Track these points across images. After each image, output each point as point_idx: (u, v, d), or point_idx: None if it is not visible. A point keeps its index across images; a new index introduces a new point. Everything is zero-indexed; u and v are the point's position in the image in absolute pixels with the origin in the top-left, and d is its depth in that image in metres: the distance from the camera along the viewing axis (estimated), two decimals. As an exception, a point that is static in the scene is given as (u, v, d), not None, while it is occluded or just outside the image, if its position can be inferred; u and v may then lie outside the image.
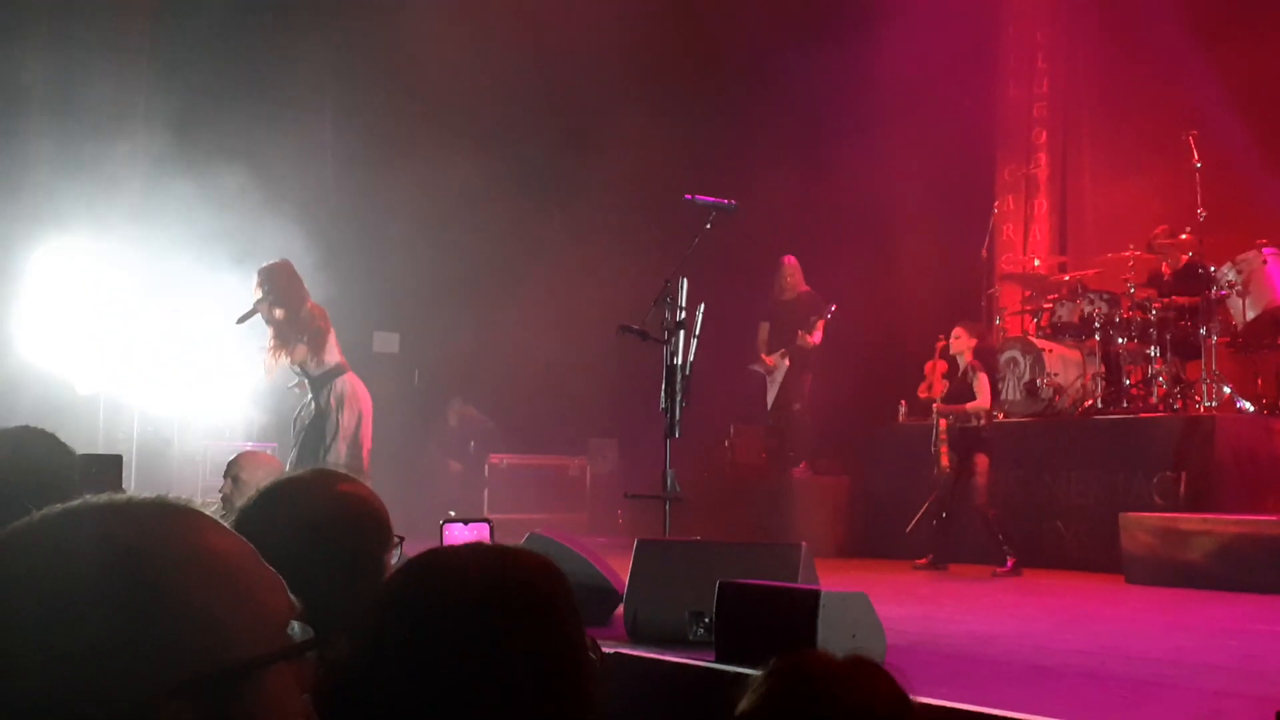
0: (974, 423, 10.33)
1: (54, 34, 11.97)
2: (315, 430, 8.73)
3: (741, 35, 14.16)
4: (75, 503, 1.13)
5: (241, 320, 8.91)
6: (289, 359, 8.78)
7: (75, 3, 12.20)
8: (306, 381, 8.93)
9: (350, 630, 1.51)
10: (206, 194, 11.24)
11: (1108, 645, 6.15)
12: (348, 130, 14.65)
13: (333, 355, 8.82)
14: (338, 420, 8.66)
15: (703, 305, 7.59)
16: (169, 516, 1.15)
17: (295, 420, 8.98)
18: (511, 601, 1.48)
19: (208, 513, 1.20)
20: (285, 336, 8.76)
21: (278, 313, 8.75)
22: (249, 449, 9.01)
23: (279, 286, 8.77)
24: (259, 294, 8.77)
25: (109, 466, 4.44)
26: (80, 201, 11.64)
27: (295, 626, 1.17)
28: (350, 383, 8.78)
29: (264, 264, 8.91)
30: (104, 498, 1.15)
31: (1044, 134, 14.36)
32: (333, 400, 8.70)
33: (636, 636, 5.99)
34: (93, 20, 12.28)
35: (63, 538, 1.10)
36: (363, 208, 13.44)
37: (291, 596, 1.19)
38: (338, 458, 8.50)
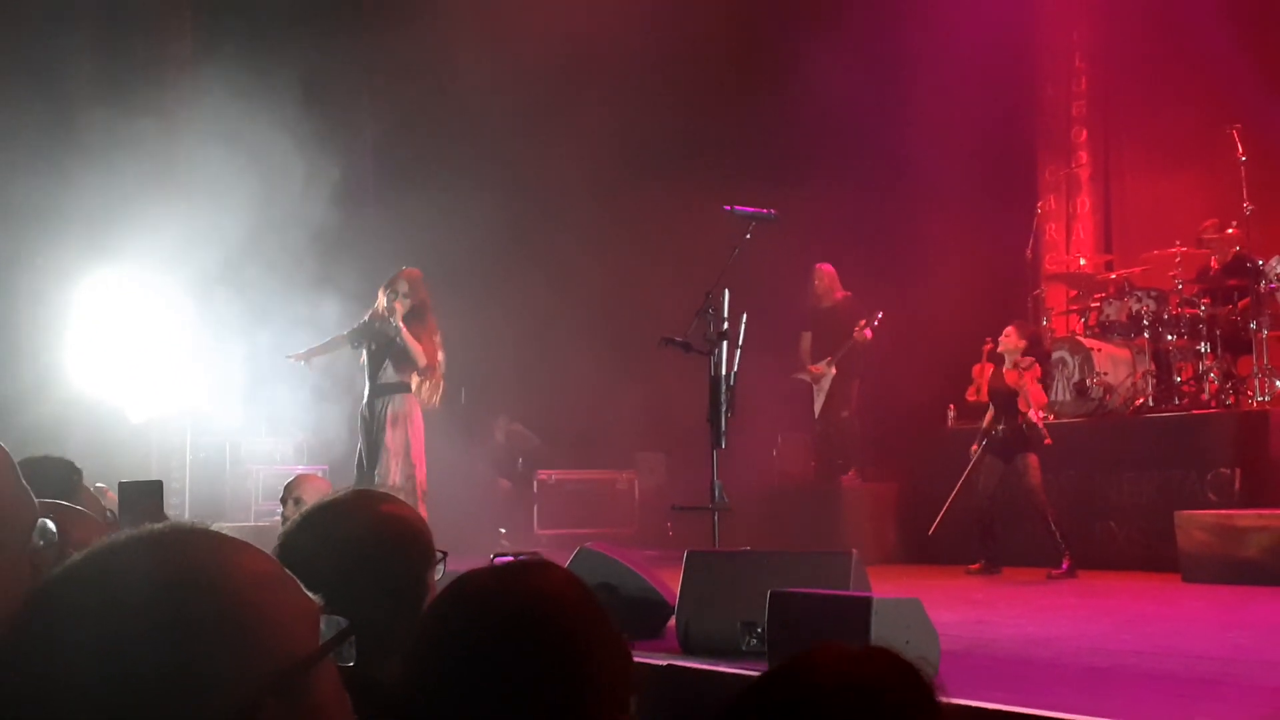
0: (1021, 425, 10.21)
1: (99, 71, 12.15)
2: (372, 442, 8.87)
3: (776, 45, 14.16)
4: (121, 536, 1.18)
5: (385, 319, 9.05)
6: (400, 372, 8.92)
7: (118, 45, 12.38)
8: (367, 381, 9.06)
9: (401, 656, 1.55)
10: (249, 224, 11.36)
11: (1166, 645, 6.09)
12: (388, 156, 14.77)
13: (408, 376, 8.97)
14: (391, 437, 8.80)
15: (745, 316, 7.59)
16: (206, 540, 1.20)
17: (360, 420, 9.13)
18: (543, 633, 1.50)
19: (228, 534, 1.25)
20: (401, 346, 8.92)
21: (411, 323, 8.90)
22: (304, 472, 9.14)
23: (418, 294, 9.01)
24: (399, 296, 8.92)
25: (150, 492, 4.50)
26: (127, 232, 11.79)
27: (324, 622, 1.22)
28: (408, 401, 8.92)
29: (407, 269, 9.11)
30: (144, 530, 1.19)
31: (1084, 132, 14.26)
32: (389, 414, 8.85)
33: (689, 648, 5.99)
34: (136, 59, 12.47)
35: (109, 573, 1.15)
36: (405, 230, 13.52)
37: (311, 595, 1.23)
38: (391, 476, 8.64)
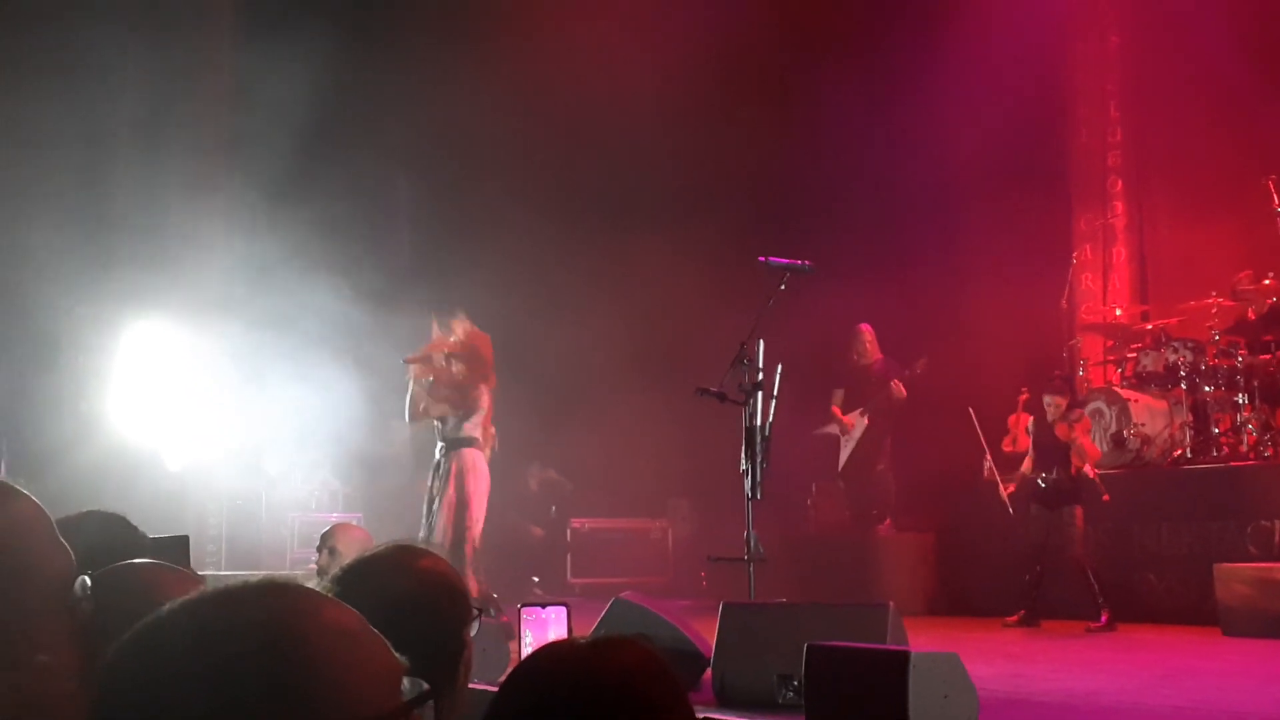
0: (1073, 475, 10.13)
1: (139, 124, 12.32)
2: (431, 497, 8.99)
3: (813, 99, 14.24)
4: (198, 594, 1.22)
5: (413, 360, 9.17)
6: (433, 411, 9.06)
7: (159, 91, 12.56)
8: (441, 440, 9.15)
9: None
10: (288, 271, 11.47)
11: (1206, 700, 6.03)
12: (424, 208, 14.90)
13: (474, 430, 9.07)
14: (451, 490, 8.90)
15: (780, 366, 7.60)
16: (288, 595, 1.24)
17: (431, 475, 9.19)
18: (630, 709, 1.53)
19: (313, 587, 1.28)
20: (443, 393, 9.02)
21: (457, 369, 8.96)
22: (340, 521, 9.18)
23: (477, 355, 9.10)
24: (451, 345, 8.98)
25: (177, 547, 4.53)
26: (168, 282, 11.93)
27: (406, 682, 1.26)
28: (473, 458, 9.00)
29: (468, 321, 9.21)
30: (224, 585, 1.24)
31: (1119, 182, 14.23)
32: (454, 467, 8.94)
33: (725, 701, 5.97)
34: (176, 109, 12.65)
35: (198, 628, 1.19)
36: (437, 278, 13.62)
37: (398, 655, 1.27)
38: (444, 525, 8.75)
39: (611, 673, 1.54)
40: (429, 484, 9.23)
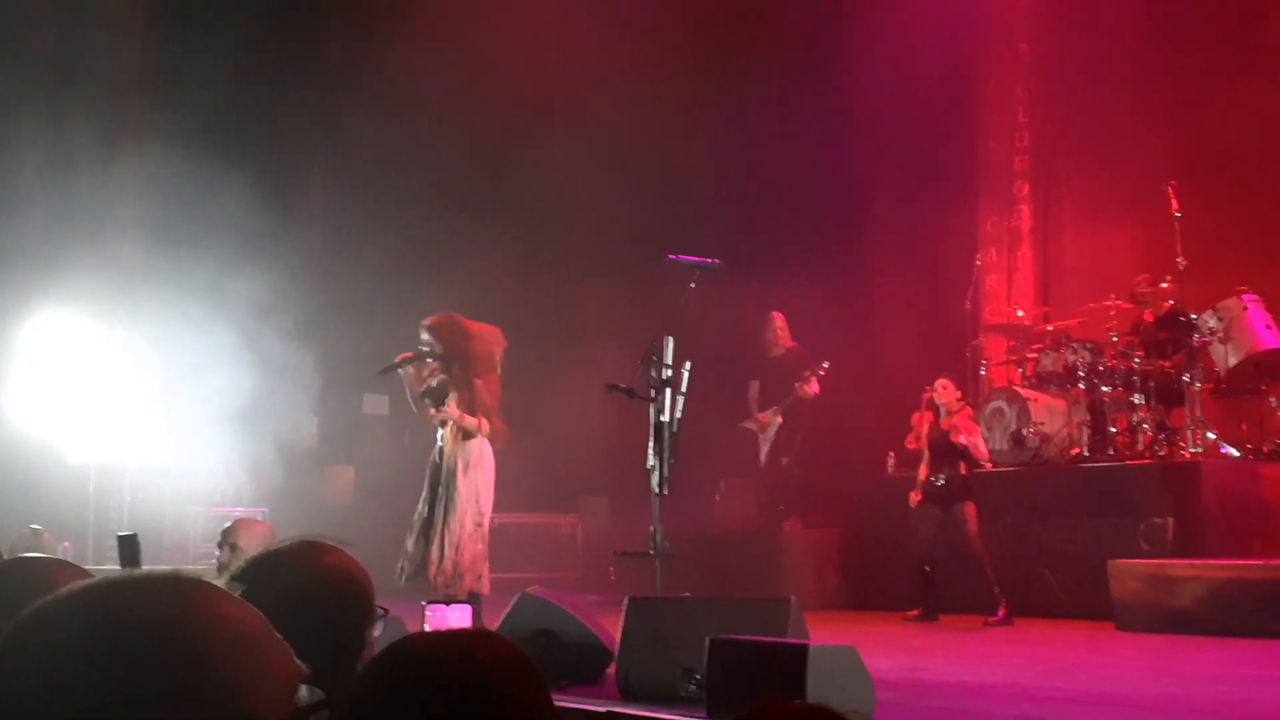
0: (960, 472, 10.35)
1: (48, 109, 12.10)
2: (445, 488, 8.83)
3: (724, 97, 14.31)
4: (97, 579, 1.21)
5: (386, 370, 9.03)
6: (435, 419, 8.90)
7: (70, 79, 12.34)
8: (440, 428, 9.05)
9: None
10: (197, 263, 11.32)
11: (1098, 693, 6.18)
12: (336, 194, 14.77)
13: (475, 422, 8.94)
14: (464, 483, 8.77)
15: (689, 363, 7.66)
16: (189, 589, 1.23)
17: (429, 464, 9.07)
18: (481, 701, 1.50)
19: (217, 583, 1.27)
20: (426, 397, 8.94)
21: (458, 369, 8.87)
22: (244, 516, 9.05)
23: (450, 342, 8.92)
24: (434, 347, 8.89)
25: (132, 544, 4.51)
26: (73, 274, 11.72)
27: (304, 690, 1.24)
28: (479, 448, 8.90)
29: (431, 319, 9.01)
30: (125, 573, 1.24)
31: (1026, 186, 14.50)
32: (460, 462, 8.80)
33: (629, 694, 6.01)
34: (87, 94, 12.42)
35: (95, 611, 1.18)
36: (349, 272, 13.52)
37: (299, 662, 1.25)
38: (463, 523, 8.68)
39: (462, 665, 1.51)
40: (427, 476, 9.09)
